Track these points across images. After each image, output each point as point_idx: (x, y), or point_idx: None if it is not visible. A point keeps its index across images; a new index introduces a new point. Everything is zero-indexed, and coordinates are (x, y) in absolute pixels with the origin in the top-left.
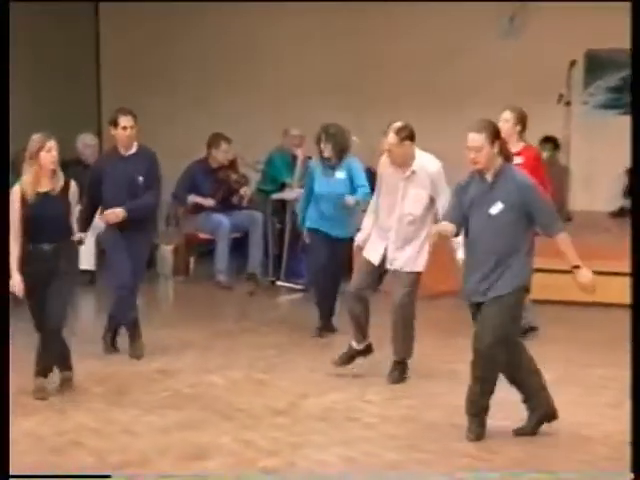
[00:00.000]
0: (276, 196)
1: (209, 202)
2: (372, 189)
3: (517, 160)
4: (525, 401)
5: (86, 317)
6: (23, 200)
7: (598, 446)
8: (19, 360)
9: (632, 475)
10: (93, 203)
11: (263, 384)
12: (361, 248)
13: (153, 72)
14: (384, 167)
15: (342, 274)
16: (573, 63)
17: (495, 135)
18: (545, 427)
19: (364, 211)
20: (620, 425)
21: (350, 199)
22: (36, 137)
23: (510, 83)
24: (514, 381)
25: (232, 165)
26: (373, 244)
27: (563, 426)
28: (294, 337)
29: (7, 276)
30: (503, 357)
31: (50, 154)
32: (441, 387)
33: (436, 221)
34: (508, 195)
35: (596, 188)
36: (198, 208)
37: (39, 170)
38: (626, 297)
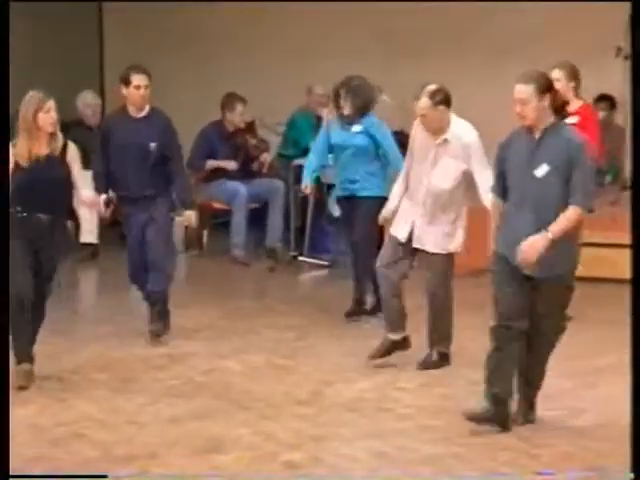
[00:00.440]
0: (299, 161)
1: (231, 165)
2: (403, 154)
3: (572, 120)
4: None
5: (88, 296)
6: (16, 165)
7: None
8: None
9: (632, 475)
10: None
11: (284, 370)
12: (388, 220)
13: (159, 28)
14: (416, 131)
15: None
16: None
17: (545, 87)
18: (597, 419)
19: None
20: None
21: None
22: (33, 96)
23: (561, 36)
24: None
25: (250, 128)
26: (401, 218)
27: (616, 418)
28: (318, 318)
29: (6, 269)
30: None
31: (49, 115)
32: (481, 374)
33: (474, 199)
34: (556, 155)
35: None
36: (213, 175)
37: (37, 132)
38: None
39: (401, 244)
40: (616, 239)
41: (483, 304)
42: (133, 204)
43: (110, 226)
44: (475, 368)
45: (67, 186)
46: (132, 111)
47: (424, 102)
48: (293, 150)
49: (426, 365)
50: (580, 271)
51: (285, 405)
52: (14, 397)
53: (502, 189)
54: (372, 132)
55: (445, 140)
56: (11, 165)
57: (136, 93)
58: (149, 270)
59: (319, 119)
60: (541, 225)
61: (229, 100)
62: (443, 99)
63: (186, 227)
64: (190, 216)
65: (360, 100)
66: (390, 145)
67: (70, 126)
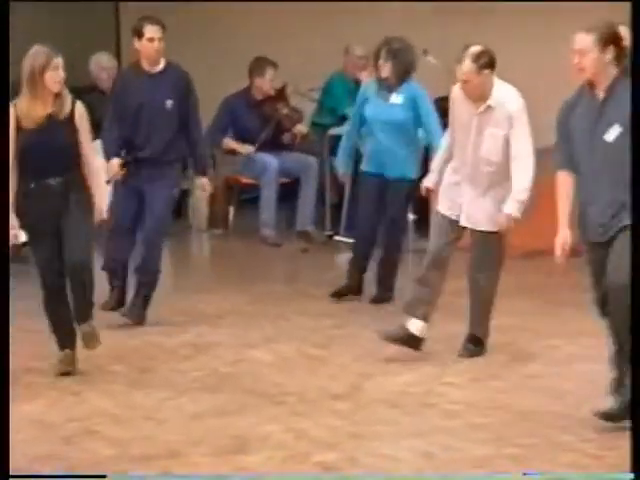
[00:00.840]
0: (335, 131)
1: (247, 149)
2: (446, 124)
3: None
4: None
5: (100, 277)
6: (18, 128)
7: None
8: (20, 330)
9: (632, 475)
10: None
11: (318, 361)
12: (430, 191)
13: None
14: (456, 98)
15: (404, 227)
16: None
17: (609, 39)
18: None
19: (427, 148)
20: None
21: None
22: (40, 52)
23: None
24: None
25: (280, 95)
26: (446, 192)
27: None
28: (356, 304)
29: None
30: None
31: (56, 73)
32: (538, 367)
33: None
34: (625, 115)
35: None
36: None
37: (42, 91)
38: None
39: (450, 221)
40: None
41: (535, 288)
42: (137, 170)
43: None
44: (527, 362)
45: (75, 151)
46: (146, 66)
47: (467, 66)
48: (329, 118)
49: (470, 353)
50: None
51: (319, 400)
52: (22, 391)
53: (568, 158)
54: (414, 104)
55: (488, 107)
56: (11, 128)
57: (149, 46)
58: (143, 244)
59: (357, 83)
60: (612, 193)
61: (258, 64)
62: (488, 62)
63: (211, 203)
64: (205, 184)
65: (401, 65)
66: (432, 122)
67: (82, 91)
